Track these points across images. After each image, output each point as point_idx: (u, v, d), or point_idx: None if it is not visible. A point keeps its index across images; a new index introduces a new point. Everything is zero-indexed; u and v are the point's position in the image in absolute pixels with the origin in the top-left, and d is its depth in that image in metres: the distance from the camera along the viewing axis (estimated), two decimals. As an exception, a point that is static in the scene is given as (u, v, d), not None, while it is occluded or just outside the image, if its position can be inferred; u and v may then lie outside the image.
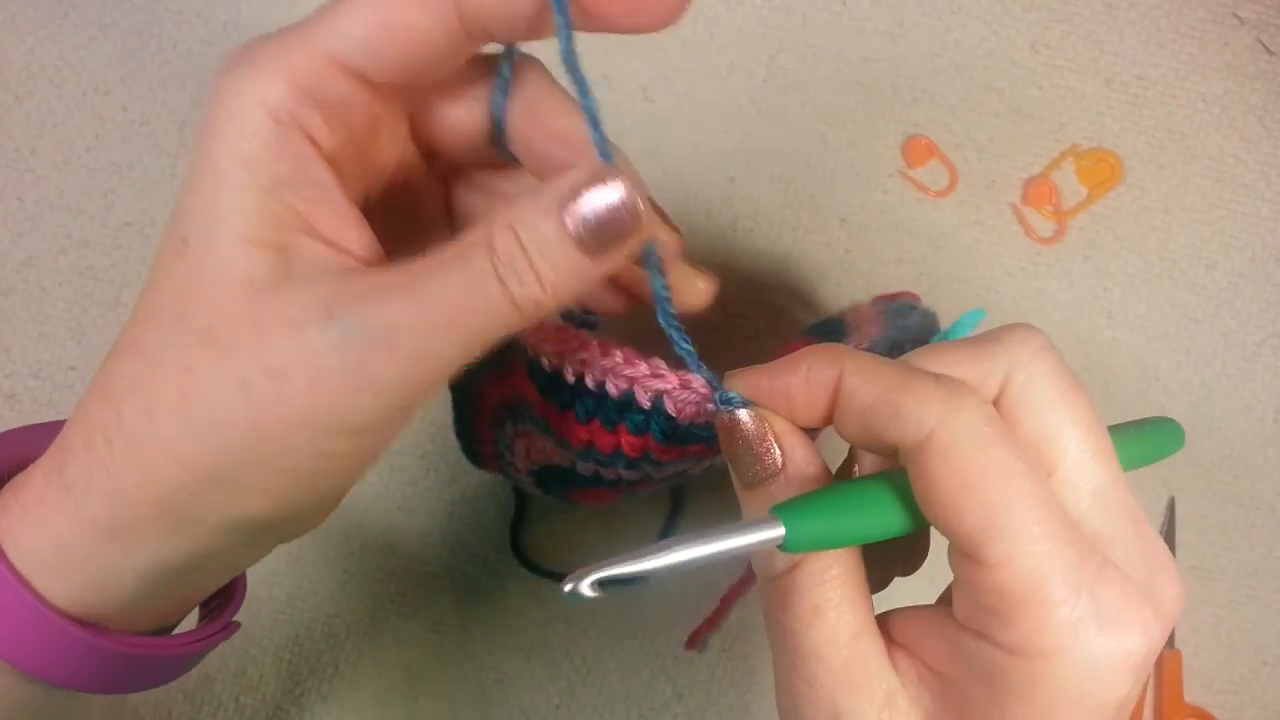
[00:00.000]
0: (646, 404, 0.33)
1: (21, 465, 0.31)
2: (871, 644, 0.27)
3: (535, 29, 0.28)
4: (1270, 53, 0.53)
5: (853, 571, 0.28)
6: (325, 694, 0.49)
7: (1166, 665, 0.50)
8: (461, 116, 0.32)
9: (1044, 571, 0.24)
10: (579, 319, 0.38)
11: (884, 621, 0.29)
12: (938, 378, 0.26)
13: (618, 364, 0.33)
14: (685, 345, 0.30)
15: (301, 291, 0.27)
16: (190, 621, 0.35)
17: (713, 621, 0.49)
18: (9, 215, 0.51)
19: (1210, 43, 0.53)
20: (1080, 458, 0.27)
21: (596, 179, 0.27)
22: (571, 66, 0.28)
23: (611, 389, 0.33)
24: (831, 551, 0.27)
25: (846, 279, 0.52)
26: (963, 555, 0.26)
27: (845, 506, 0.27)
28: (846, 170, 0.52)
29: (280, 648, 0.49)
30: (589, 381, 0.34)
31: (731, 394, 0.30)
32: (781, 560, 0.28)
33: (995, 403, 0.27)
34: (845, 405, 0.27)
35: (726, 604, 0.49)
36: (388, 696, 0.49)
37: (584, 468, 0.36)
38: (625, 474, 0.35)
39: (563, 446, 0.36)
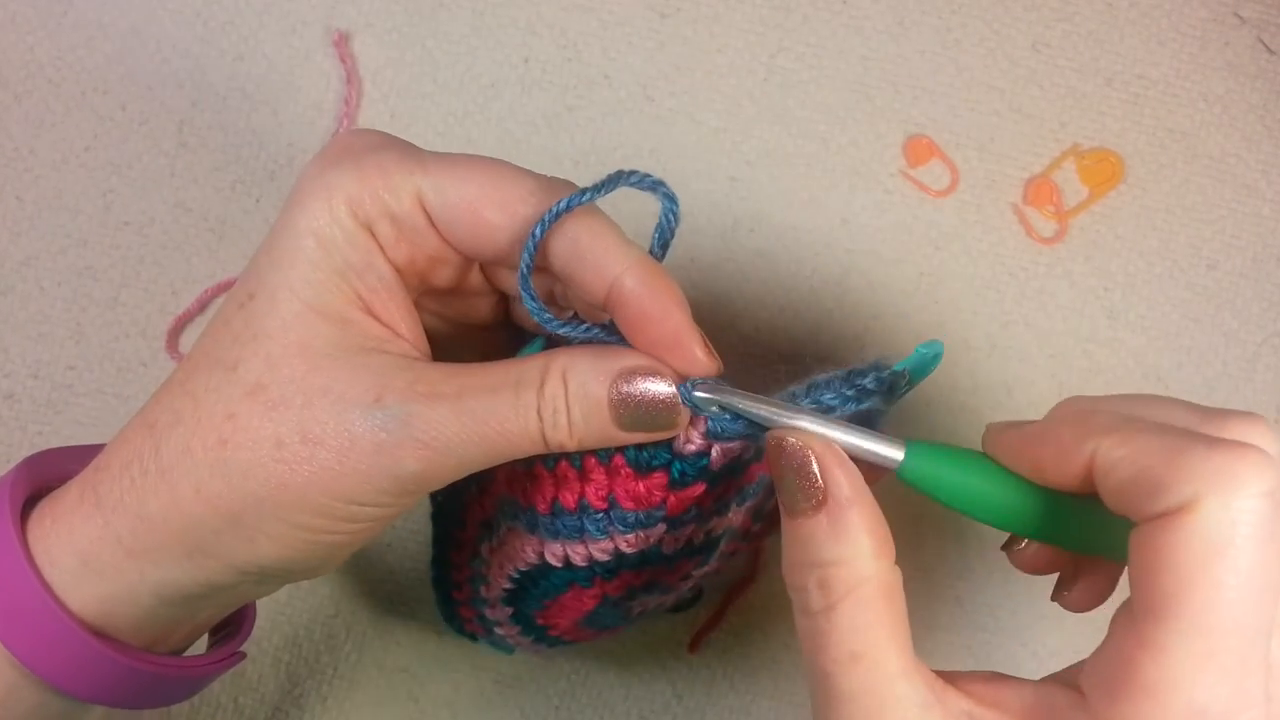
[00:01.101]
0: None
1: (57, 483, 0.33)
2: (910, 689, 0.26)
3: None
4: (1271, 52, 0.53)
5: (893, 613, 0.27)
6: (324, 695, 0.49)
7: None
8: (502, 246, 0.32)
9: (1195, 680, 0.23)
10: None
11: (965, 677, 0.28)
12: (1213, 443, 0.24)
13: None
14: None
15: (354, 368, 0.29)
16: (199, 647, 0.37)
17: (714, 623, 0.49)
18: (7, 214, 0.51)
19: (1211, 42, 0.53)
20: None
21: (654, 372, 0.30)
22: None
23: None
24: (872, 594, 0.27)
25: (847, 279, 0.52)
26: (1132, 616, 0.25)
27: (978, 471, 0.28)
28: (846, 170, 0.52)
29: (279, 649, 0.49)
30: None
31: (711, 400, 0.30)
32: (818, 598, 0.27)
33: None
34: (1102, 479, 0.26)
35: (727, 605, 0.49)
36: (387, 698, 0.49)
37: (552, 551, 0.35)
38: (594, 550, 0.34)
39: (531, 526, 0.35)
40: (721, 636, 0.49)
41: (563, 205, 0.30)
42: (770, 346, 0.51)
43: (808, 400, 0.30)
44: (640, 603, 0.39)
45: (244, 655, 0.37)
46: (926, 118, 0.53)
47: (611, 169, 0.30)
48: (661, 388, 0.30)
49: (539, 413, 0.29)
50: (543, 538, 0.35)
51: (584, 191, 0.30)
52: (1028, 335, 0.52)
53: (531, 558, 0.36)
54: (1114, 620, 0.26)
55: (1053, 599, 0.32)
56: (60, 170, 0.51)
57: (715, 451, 0.31)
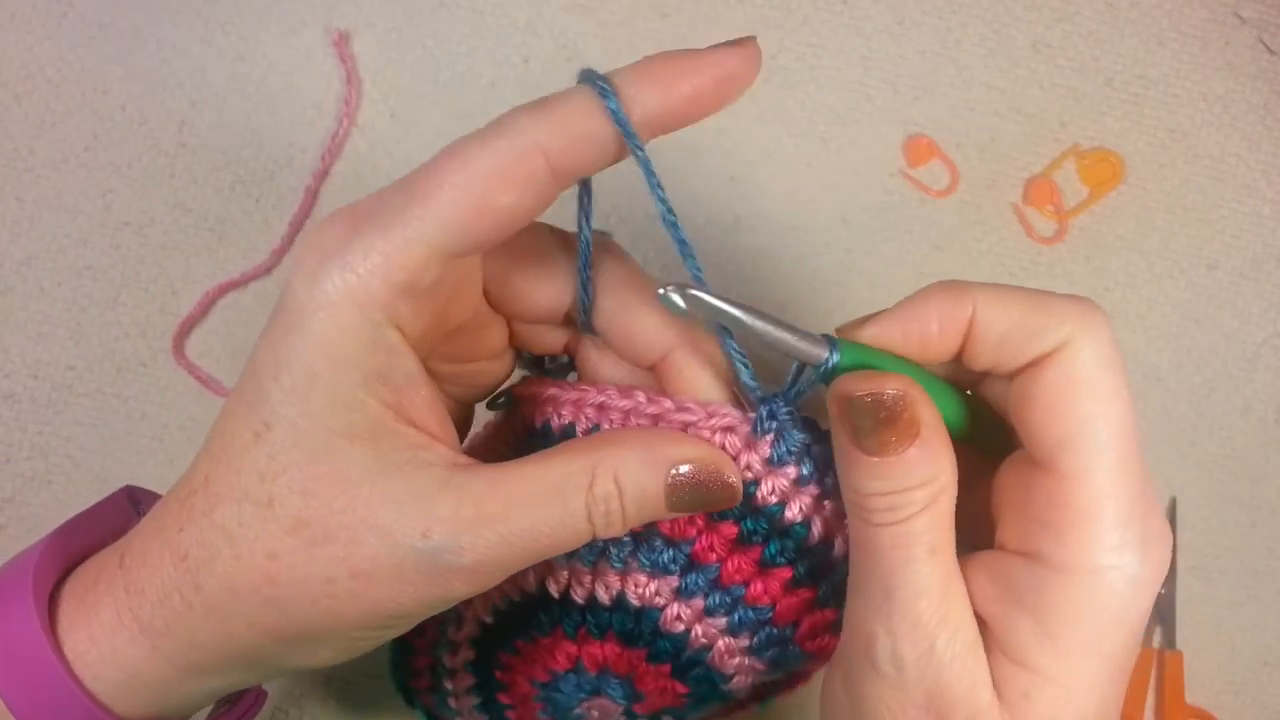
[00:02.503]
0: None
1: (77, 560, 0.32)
2: (961, 588, 0.29)
3: (617, 158, 0.29)
4: (1272, 52, 0.53)
5: (954, 516, 0.29)
6: (324, 695, 0.49)
7: (1167, 665, 0.50)
8: (547, 300, 0.33)
9: (1110, 491, 0.27)
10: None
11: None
12: (1071, 297, 0.28)
13: None
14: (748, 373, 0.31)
15: (396, 498, 0.28)
16: None
17: None
18: (7, 215, 0.51)
19: (1211, 42, 0.53)
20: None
21: (708, 463, 0.29)
22: (662, 206, 0.30)
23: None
24: (949, 500, 0.28)
25: (847, 279, 0.52)
26: (1028, 467, 0.28)
27: (900, 368, 0.29)
28: (846, 170, 0.52)
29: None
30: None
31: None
32: (908, 510, 0.28)
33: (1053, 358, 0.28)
34: (981, 336, 0.29)
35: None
36: (387, 698, 0.49)
37: (553, 581, 0.34)
38: (599, 590, 0.34)
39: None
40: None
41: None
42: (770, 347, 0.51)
43: (776, 407, 0.31)
44: (600, 706, 0.37)
45: (265, 694, 0.37)
46: (926, 118, 0.53)
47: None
48: (719, 471, 0.30)
49: (590, 518, 0.29)
50: (553, 562, 0.34)
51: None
52: (1028, 335, 0.52)
53: (530, 583, 0.35)
54: (1003, 481, 0.30)
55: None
56: (60, 170, 0.51)
57: (804, 511, 0.32)
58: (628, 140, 0.28)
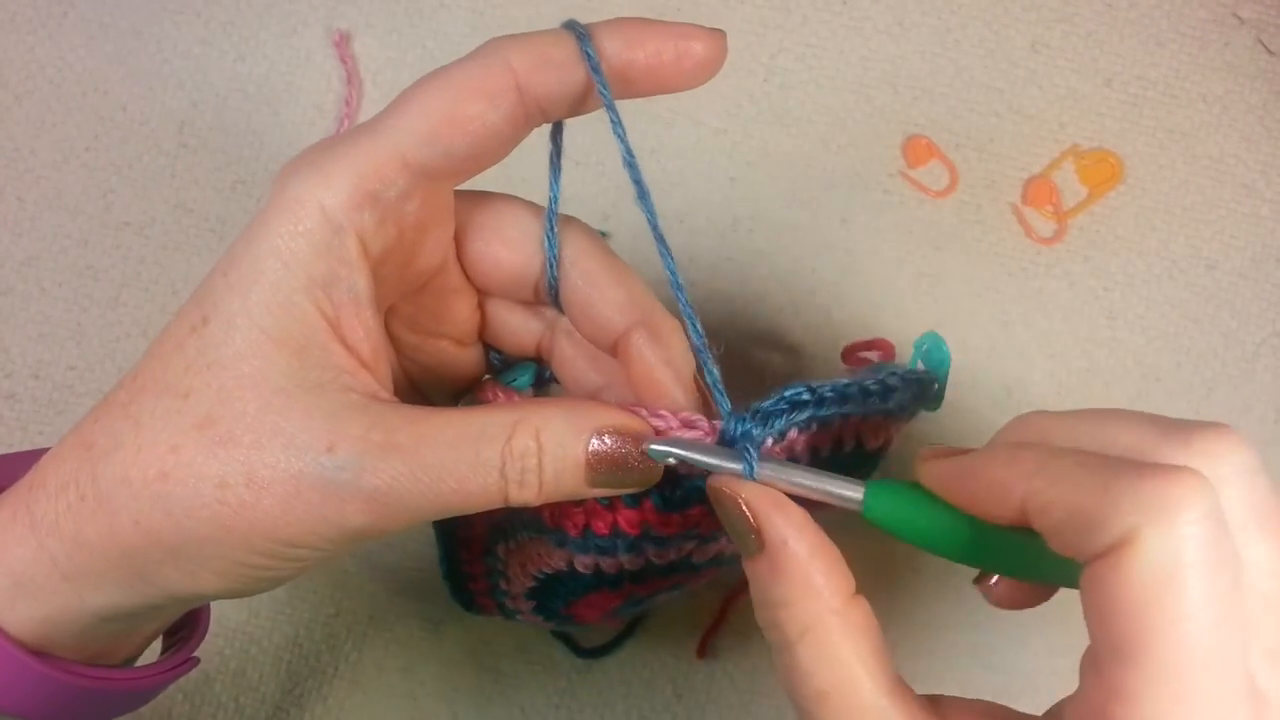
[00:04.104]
0: None
1: None
2: None
3: (585, 105, 0.30)
4: (1270, 53, 0.53)
5: (859, 646, 0.27)
6: (325, 695, 0.49)
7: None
8: (514, 265, 0.33)
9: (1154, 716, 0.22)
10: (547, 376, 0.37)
11: (941, 701, 0.27)
12: (1143, 470, 0.23)
13: None
14: (713, 372, 0.30)
15: (309, 408, 0.28)
16: (153, 652, 0.35)
17: (716, 627, 0.49)
18: (9, 215, 0.51)
19: (1210, 43, 0.53)
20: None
21: (631, 432, 0.29)
22: (631, 166, 0.31)
23: None
24: (830, 630, 0.26)
25: (846, 279, 0.52)
26: (1097, 662, 0.24)
27: (935, 508, 0.27)
28: (846, 170, 0.52)
29: (280, 648, 0.49)
30: None
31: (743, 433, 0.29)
32: (777, 637, 0.27)
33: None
34: (1040, 521, 0.25)
35: (727, 607, 0.49)
36: (387, 697, 0.49)
37: (582, 563, 0.34)
38: (626, 561, 0.33)
39: (560, 543, 0.34)
40: (721, 637, 0.49)
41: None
42: (770, 346, 0.51)
43: (740, 423, 0.30)
44: (667, 596, 0.39)
45: (196, 661, 0.36)
46: (926, 118, 0.53)
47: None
48: (643, 451, 0.29)
49: (503, 471, 0.28)
50: (573, 552, 0.34)
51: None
52: (1027, 335, 0.52)
53: (559, 565, 0.35)
54: (1082, 665, 0.25)
55: (974, 583, 0.30)
56: (61, 170, 0.52)
57: None
58: (593, 75, 0.29)
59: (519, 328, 0.35)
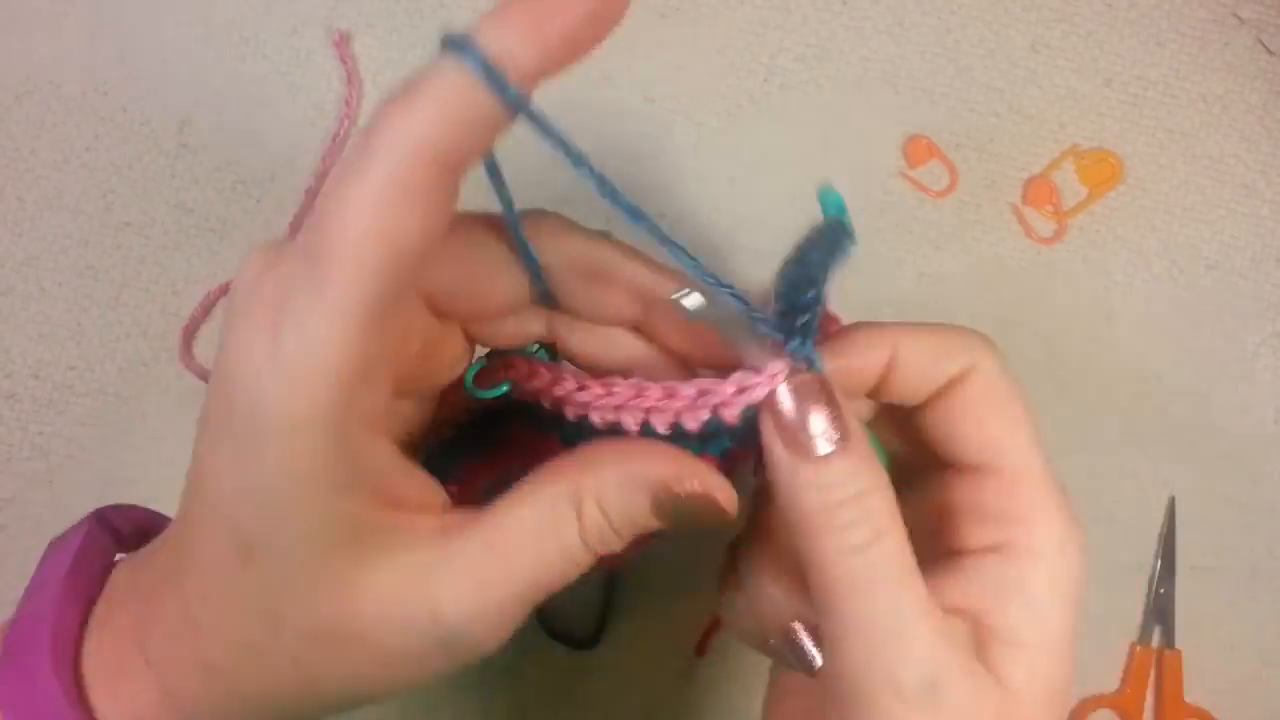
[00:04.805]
0: (695, 426, 0.30)
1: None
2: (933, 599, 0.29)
3: (508, 122, 0.25)
4: (1270, 53, 0.53)
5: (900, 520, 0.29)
6: (325, 694, 0.49)
7: (1167, 665, 0.50)
8: (505, 292, 0.31)
9: (1050, 479, 0.30)
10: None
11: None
12: (966, 330, 0.32)
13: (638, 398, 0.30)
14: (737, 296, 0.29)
15: (395, 590, 0.28)
16: None
17: (717, 625, 0.49)
18: (9, 215, 0.51)
19: (1210, 43, 0.53)
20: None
21: (697, 473, 0.29)
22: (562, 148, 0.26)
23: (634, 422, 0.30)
24: (896, 515, 0.28)
25: (847, 279, 0.52)
26: (969, 471, 0.31)
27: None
28: (846, 170, 0.52)
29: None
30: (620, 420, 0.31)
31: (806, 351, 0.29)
32: (863, 528, 0.28)
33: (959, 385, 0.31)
34: (904, 366, 0.31)
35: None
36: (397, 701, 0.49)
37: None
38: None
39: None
40: (722, 636, 0.49)
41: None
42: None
43: (802, 343, 0.29)
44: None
45: None
46: (926, 118, 0.53)
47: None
48: (706, 494, 0.29)
49: (586, 547, 0.29)
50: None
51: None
52: (1027, 335, 0.52)
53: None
54: (935, 499, 0.32)
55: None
56: (61, 171, 0.52)
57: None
58: (518, 108, 0.24)
59: (507, 329, 0.33)
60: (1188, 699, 0.50)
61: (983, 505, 0.31)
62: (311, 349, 0.24)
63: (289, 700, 0.29)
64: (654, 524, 0.29)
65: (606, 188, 0.27)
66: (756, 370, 0.29)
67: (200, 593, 0.28)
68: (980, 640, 0.29)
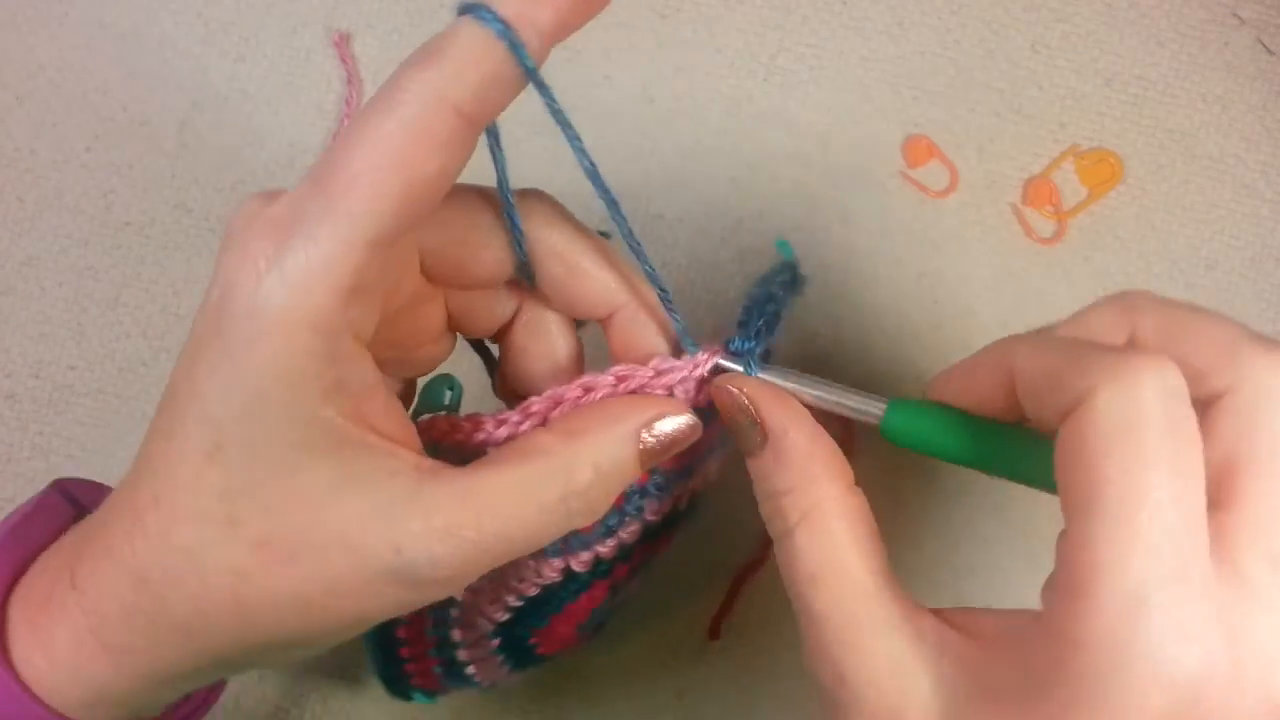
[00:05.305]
0: None
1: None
2: (877, 606, 0.27)
3: (521, 86, 0.27)
4: (1270, 53, 0.53)
5: (854, 533, 0.28)
6: (325, 695, 0.49)
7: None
8: (488, 264, 0.32)
9: (1111, 562, 0.22)
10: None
11: (947, 610, 0.28)
12: (1111, 348, 0.25)
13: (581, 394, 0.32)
14: (674, 310, 0.32)
15: (363, 514, 0.27)
16: None
17: (728, 608, 0.49)
18: (9, 215, 0.51)
19: (1210, 43, 0.53)
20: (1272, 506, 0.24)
21: (672, 409, 0.30)
22: (563, 123, 0.28)
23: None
24: (826, 517, 0.28)
25: (846, 279, 0.52)
26: (1066, 524, 0.24)
27: (956, 425, 0.29)
28: (846, 170, 0.52)
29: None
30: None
31: (739, 346, 0.32)
32: (777, 524, 0.29)
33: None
34: (1020, 389, 0.27)
35: (738, 588, 0.49)
36: (386, 699, 0.49)
37: (580, 560, 0.34)
38: (625, 533, 0.34)
39: (558, 550, 0.34)
40: (722, 635, 0.49)
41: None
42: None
43: (743, 343, 0.32)
44: (627, 590, 0.39)
45: (224, 683, 0.36)
46: (926, 118, 0.53)
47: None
48: (681, 420, 0.30)
49: (567, 514, 0.29)
50: (576, 550, 0.34)
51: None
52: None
53: (552, 576, 0.35)
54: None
55: None
56: (61, 170, 0.52)
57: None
58: (529, 75, 0.26)
59: (484, 312, 0.34)
60: (1188, 699, 0.50)
61: (1061, 552, 0.24)
62: (316, 257, 0.26)
63: (219, 628, 0.28)
64: (636, 470, 0.30)
65: (597, 178, 0.29)
66: (675, 358, 0.32)
67: (153, 496, 0.28)
68: (968, 678, 0.26)
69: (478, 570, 0.29)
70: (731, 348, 0.32)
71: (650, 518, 0.34)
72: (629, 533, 0.34)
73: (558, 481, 0.28)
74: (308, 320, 0.26)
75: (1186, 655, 0.22)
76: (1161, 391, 0.23)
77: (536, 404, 0.31)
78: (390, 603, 0.28)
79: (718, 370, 0.32)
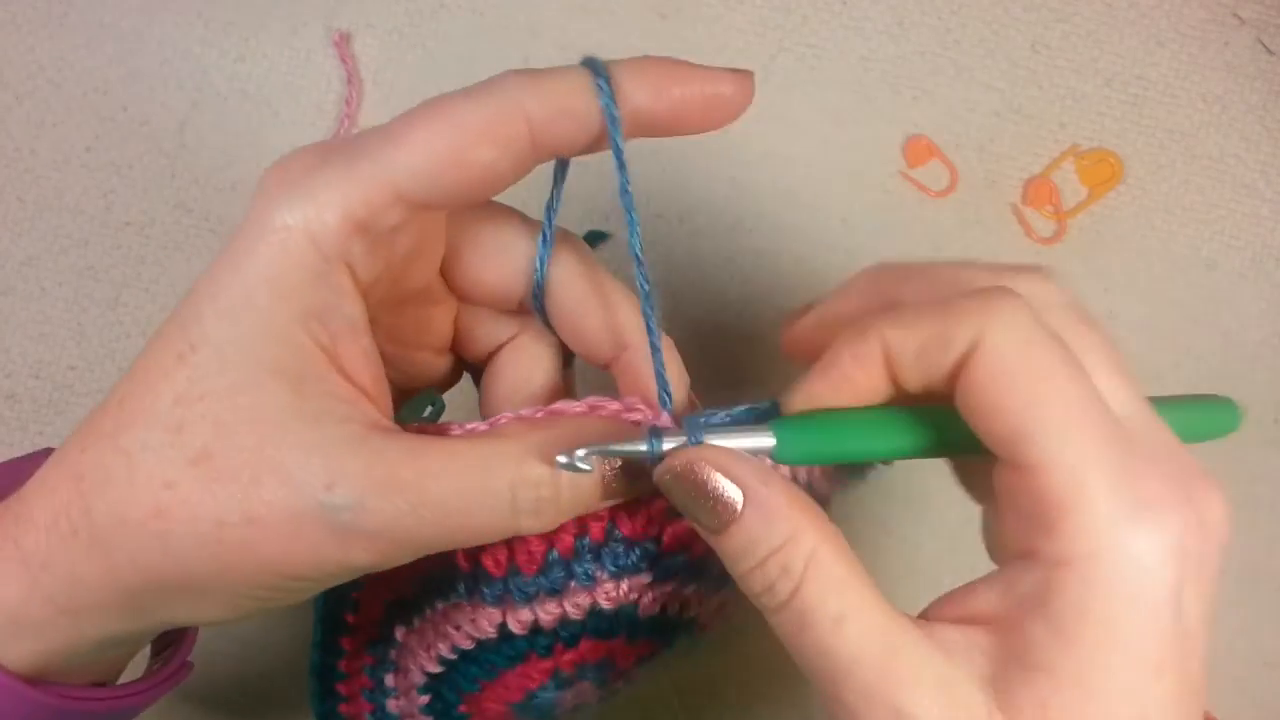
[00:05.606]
0: None
1: None
2: (904, 633, 0.26)
3: (594, 148, 0.29)
4: (1270, 53, 0.53)
5: (855, 567, 0.27)
6: (325, 694, 0.49)
7: (1167, 665, 0.50)
8: (500, 280, 0.32)
9: (1083, 471, 0.24)
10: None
11: (923, 610, 0.28)
12: (975, 291, 0.26)
13: None
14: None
15: (307, 444, 0.27)
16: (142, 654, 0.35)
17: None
18: (9, 215, 0.51)
19: (1210, 43, 0.53)
20: (1106, 383, 0.26)
21: (640, 441, 0.28)
22: (625, 198, 0.29)
23: None
24: (829, 556, 0.26)
25: (847, 279, 0.52)
26: (1005, 467, 0.26)
27: (843, 423, 0.28)
28: (846, 170, 0.52)
29: (281, 645, 0.49)
30: None
31: (696, 418, 0.29)
32: (784, 585, 0.27)
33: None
34: (899, 361, 0.27)
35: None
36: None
37: (519, 619, 0.32)
38: (541, 614, 0.32)
39: (497, 596, 0.32)
40: (722, 635, 0.49)
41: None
42: (770, 346, 0.51)
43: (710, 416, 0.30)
44: (577, 691, 0.36)
45: (191, 666, 0.35)
46: (926, 118, 0.53)
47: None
48: (643, 450, 0.28)
49: (513, 503, 0.27)
50: (515, 602, 0.32)
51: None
52: (1027, 335, 0.52)
53: (487, 630, 0.33)
54: (995, 489, 0.27)
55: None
56: (61, 170, 0.52)
57: None
58: (610, 125, 0.27)
59: (485, 336, 0.34)
60: (1188, 699, 0.50)
61: (1018, 502, 0.26)
62: (342, 183, 0.26)
63: (135, 546, 0.27)
64: (597, 495, 0.29)
65: (636, 237, 0.30)
66: (624, 401, 0.31)
67: (119, 398, 0.28)
68: (998, 659, 0.26)
69: (408, 539, 0.27)
70: (703, 419, 0.30)
71: (603, 599, 0.31)
72: (574, 604, 0.31)
73: (508, 467, 0.27)
74: (312, 232, 0.26)
75: (1171, 529, 0.24)
76: (1030, 313, 0.25)
77: (505, 419, 0.30)
78: (304, 550, 0.27)
79: (657, 434, 0.29)
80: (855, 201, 0.52)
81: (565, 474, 0.28)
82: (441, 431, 0.31)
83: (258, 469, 0.26)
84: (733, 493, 0.27)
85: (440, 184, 0.27)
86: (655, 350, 0.30)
